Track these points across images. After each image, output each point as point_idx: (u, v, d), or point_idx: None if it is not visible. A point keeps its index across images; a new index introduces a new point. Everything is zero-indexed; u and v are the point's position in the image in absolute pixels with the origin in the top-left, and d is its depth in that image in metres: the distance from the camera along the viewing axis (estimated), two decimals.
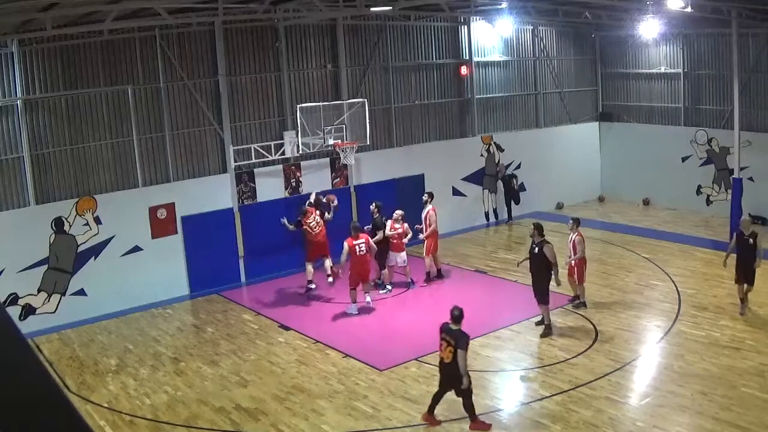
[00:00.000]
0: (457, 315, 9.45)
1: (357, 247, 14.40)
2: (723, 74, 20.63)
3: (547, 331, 12.86)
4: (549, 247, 12.74)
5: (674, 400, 10.14)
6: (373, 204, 16.26)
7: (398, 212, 15.89)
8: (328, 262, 15.68)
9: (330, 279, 15.48)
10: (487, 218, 22.04)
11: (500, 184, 21.92)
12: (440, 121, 21.09)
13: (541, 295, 12.86)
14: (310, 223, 15.69)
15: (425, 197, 16.57)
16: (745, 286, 13.21)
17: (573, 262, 13.87)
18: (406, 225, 15.90)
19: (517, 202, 21.79)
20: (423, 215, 16.32)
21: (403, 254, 15.90)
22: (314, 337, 13.45)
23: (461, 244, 18.77)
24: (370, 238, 14.94)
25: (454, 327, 9.41)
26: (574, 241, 13.90)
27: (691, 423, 9.49)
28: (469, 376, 9.35)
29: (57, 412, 1.26)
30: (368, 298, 14.79)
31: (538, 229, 12.99)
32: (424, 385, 11.14)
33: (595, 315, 13.69)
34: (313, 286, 15.90)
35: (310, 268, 15.86)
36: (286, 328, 14.10)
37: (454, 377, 9.38)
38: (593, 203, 24.12)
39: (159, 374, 12.27)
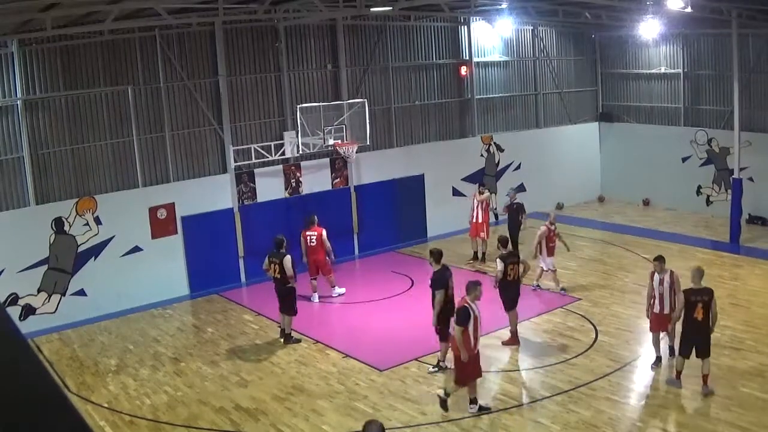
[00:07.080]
0: None
1: (308, 238, 15.31)
2: (723, 74, 20.61)
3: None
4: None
5: (674, 400, 10.15)
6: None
7: (553, 212, 16.55)
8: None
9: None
10: None
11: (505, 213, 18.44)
12: (440, 122, 21.08)
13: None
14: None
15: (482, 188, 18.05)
16: None
17: None
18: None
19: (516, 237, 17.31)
20: (479, 202, 17.27)
21: (552, 259, 15.21)
22: (314, 338, 13.45)
23: (461, 245, 18.72)
24: (324, 231, 15.40)
25: None
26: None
27: (691, 423, 9.50)
28: None
29: (57, 413, 1.27)
30: (337, 291, 15.74)
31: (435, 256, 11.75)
32: (425, 385, 11.16)
33: (595, 315, 13.70)
34: None
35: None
36: None
37: None
38: (593, 203, 24.10)
39: (159, 374, 12.27)
